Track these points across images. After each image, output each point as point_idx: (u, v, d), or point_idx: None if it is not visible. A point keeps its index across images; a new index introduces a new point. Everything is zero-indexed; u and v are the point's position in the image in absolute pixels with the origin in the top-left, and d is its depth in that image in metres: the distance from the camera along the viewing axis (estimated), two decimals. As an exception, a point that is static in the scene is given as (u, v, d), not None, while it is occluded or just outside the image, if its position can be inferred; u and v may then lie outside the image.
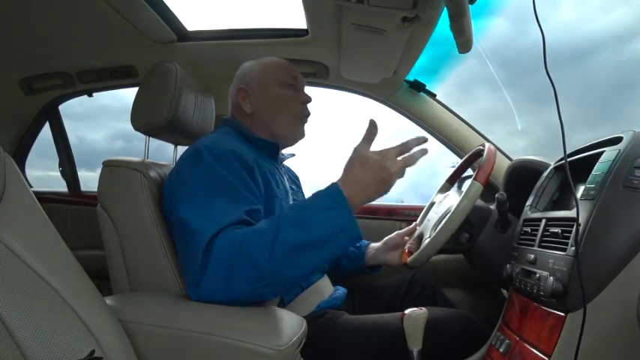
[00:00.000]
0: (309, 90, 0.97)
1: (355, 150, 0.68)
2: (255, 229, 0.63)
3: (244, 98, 0.90)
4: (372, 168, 0.65)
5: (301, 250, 0.61)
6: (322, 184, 0.68)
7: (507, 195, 0.87)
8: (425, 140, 0.71)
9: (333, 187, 0.65)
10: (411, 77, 1.32)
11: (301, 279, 0.66)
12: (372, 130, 0.69)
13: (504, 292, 1.11)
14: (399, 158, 0.68)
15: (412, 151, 0.69)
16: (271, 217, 0.66)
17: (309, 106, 0.95)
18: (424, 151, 0.71)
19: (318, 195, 0.66)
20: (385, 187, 0.66)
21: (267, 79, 0.91)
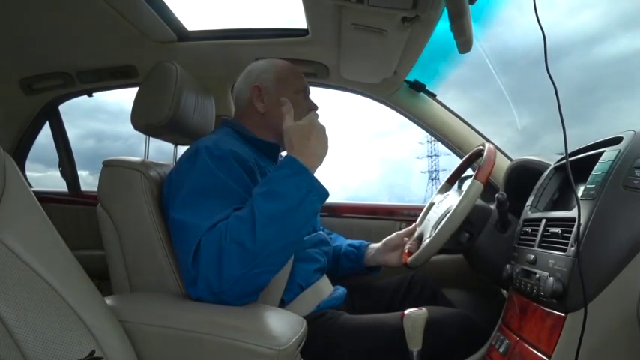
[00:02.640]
0: (312, 90, 0.98)
1: (286, 129, 0.75)
2: (233, 216, 0.67)
3: (258, 97, 0.91)
4: (308, 131, 0.74)
5: (279, 220, 0.65)
6: (324, 184, 0.71)
7: (507, 195, 0.87)
8: None
9: (287, 158, 0.72)
10: (411, 77, 1.32)
11: (288, 249, 0.69)
12: (286, 107, 0.78)
13: (504, 292, 1.11)
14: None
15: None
16: (247, 203, 0.69)
17: (321, 108, 0.96)
18: None
19: (277, 169, 0.72)
20: (326, 143, 0.75)
21: (283, 84, 0.92)
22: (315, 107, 0.95)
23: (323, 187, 0.70)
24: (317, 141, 0.73)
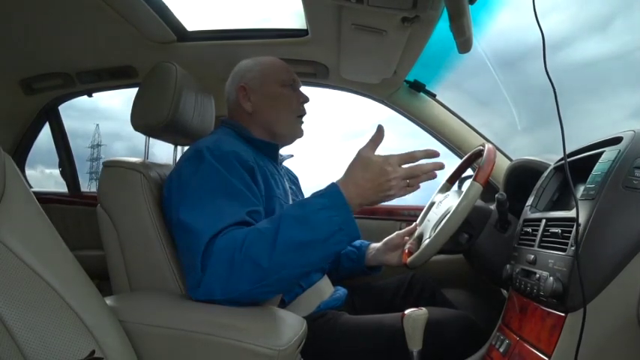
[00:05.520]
0: (309, 90, 0.98)
1: (358, 152, 0.68)
2: (255, 229, 0.64)
3: (244, 96, 0.91)
4: (372, 171, 0.66)
5: (300, 249, 0.62)
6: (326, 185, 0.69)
7: (507, 195, 0.87)
8: (436, 154, 0.69)
9: (332, 187, 0.66)
10: (410, 77, 1.32)
11: (300, 278, 0.67)
12: (379, 135, 0.69)
13: (504, 292, 1.11)
14: (404, 166, 0.67)
15: (418, 163, 0.68)
16: (271, 217, 0.67)
17: (306, 106, 0.96)
18: (438, 166, 0.69)
19: (317, 195, 0.67)
20: (383, 193, 0.66)
21: (268, 79, 0.91)
22: (306, 99, 0.94)
23: (356, 228, 0.65)
24: (373, 183, 0.65)
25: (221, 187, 0.70)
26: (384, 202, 0.68)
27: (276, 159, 0.94)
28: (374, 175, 0.65)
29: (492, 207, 0.94)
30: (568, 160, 0.64)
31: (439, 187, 1.11)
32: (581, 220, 0.61)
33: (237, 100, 0.91)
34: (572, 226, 0.62)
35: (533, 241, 0.74)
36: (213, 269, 0.62)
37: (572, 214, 0.64)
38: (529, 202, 0.84)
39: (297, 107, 0.93)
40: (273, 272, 0.61)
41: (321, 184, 0.69)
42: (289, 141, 0.96)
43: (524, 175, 0.99)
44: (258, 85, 0.91)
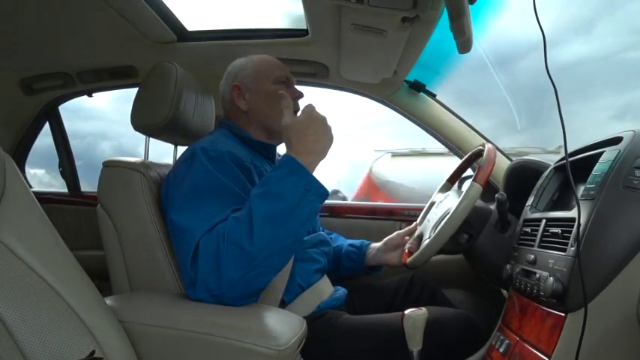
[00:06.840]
0: (308, 90, 0.98)
1: (285, 125, 0.73)
2: (232, 218, 0.66)
3: (239, 95, 0.91)
4: (307, 125, 0.71)
5: (277, 220, 0.64)
6: (325, 184, 0.70)
7: (507, 195, 0.87)
8: None
9: (284, 157, 0.71)
10: (411, 77, 1.32)
11: (289, 252, 0.69)
12: (285, 102, 0.76)
13: (504, 292, 1.11)
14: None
15: None
16: (244, 205, 0.69)
17: (300, 102, 0.95)
18: None
19: (274, 168, 0.71)
20: (326, 136, 0.72)
21: (261, 76, 0.92)
22: (300, 95, 0.94)
23: (322, 185, 0.69)
24: (315, 136, 0.71)
25: (213, 189, 0.70)
26: (329, 147, 0.73)
27: (273, 159, 0.94)
28: (310, 129, 0.71)
29: (492, 207, 0.94)
30: (568, 160, 0.64)
31: (439, 187, 1.11)
32: (582, 220, 0.60)
33: (232, 99, 0.91)
34: (572, 226, 0.62)
35: (533, 241, 0.73)
36: (203, 266, 0.63)
37: (572, 214, 0.64)
38: (529, 202, 0.84)
39: (291, 104, 0.93)
40: (259, 251, 0.63)
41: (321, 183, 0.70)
42: None
43: (524, 175, 0.99)
44: (252, 83, 0.91)
